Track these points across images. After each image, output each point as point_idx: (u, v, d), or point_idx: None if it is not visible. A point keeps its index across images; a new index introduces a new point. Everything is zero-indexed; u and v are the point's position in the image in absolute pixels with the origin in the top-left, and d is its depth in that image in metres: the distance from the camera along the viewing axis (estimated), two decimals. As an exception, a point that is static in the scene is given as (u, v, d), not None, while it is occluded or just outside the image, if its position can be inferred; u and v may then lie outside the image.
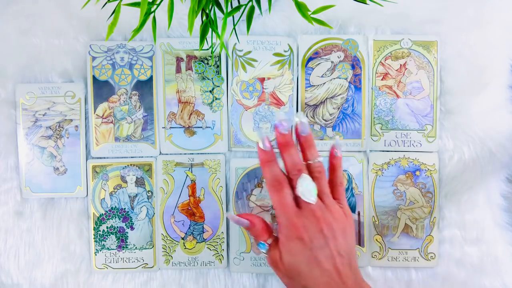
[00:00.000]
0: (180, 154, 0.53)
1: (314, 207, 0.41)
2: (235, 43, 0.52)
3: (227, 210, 0.53)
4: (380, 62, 0.53)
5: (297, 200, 0.42)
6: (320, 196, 0.42)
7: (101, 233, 0.53)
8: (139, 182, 0.53)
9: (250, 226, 0.44)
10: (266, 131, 0.53)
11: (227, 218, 0.53)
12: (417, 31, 0.53)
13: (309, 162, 0.43)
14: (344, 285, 0.40)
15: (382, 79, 0.53)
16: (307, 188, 0.41)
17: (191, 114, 0.53)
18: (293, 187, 0.42)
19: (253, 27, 0.52)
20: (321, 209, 0.41)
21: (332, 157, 0.45)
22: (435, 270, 0.53)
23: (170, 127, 0.53)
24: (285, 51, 0.53)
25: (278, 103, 0.53)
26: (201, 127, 0.53)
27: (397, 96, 0.53)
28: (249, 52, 0.52)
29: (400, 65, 0.53)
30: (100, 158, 0.53)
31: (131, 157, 0.53)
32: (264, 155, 0.42)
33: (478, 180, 0.52)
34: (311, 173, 0.43)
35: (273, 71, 0.53)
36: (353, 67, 0.53)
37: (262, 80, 0.53)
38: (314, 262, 0.40)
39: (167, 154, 0.53)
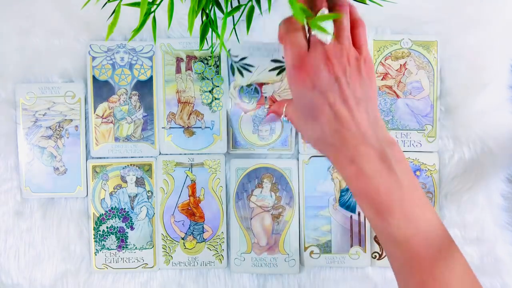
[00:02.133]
0: (180, 154, 0.53)
1: (328, 47, 0.36)
2: (229, 49, 0.51)
3: (227, 210, 0.53)
4: (380, 62, 0.53)
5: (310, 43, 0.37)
6: (337, 37, 0.37)
7: (101, 233, 0.53)
8: (139, 182, 0.53)
9: (275, 117, 0.48)
10: (266, 133, 0.53)
11: (226, 218, 0.53)
12: (417, 31, 0.53)
13: None
14: (358, 130, 0.36)
15: (382, 79, 0.53)
16: (322, 25, 0.35)
17: (190, 114, 0.53)
18: (309, 31, 0.37)
19: (253, 27, 0.52)
20: (337, 51, 0.36)
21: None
22: (435, 270, 0.53)
23: (170, 127, 0.53)
24: (283, 57, 0.52)
25: (278, 103, 0.53)
26: (200, 127, 0.53)
27: (397, 96, 0.53)
28: (245, 58, 0.52)
29: (400, 65, 0.53)
30: (100, 158, 0.53)
31: (131, 157, 0.53)
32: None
33: (478, 180, 0.52)
34: (331, 9, 0.37)
35: (272, 77, 0.52)
36: (353, 67, 0.53)
37: (260, 85, 0.52)
38: (325, 102, 0.36)
39: (167, 154, 0.53)
